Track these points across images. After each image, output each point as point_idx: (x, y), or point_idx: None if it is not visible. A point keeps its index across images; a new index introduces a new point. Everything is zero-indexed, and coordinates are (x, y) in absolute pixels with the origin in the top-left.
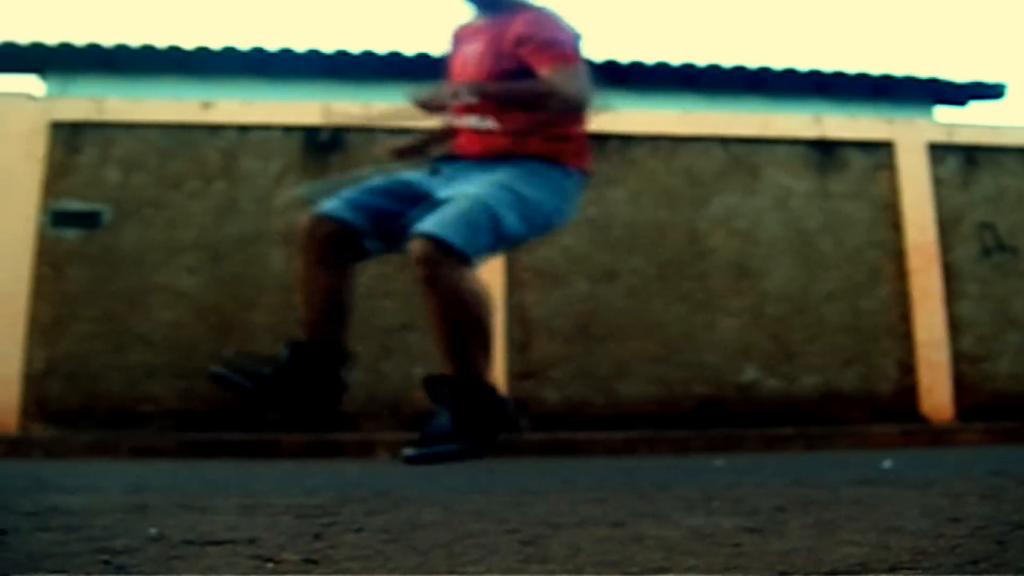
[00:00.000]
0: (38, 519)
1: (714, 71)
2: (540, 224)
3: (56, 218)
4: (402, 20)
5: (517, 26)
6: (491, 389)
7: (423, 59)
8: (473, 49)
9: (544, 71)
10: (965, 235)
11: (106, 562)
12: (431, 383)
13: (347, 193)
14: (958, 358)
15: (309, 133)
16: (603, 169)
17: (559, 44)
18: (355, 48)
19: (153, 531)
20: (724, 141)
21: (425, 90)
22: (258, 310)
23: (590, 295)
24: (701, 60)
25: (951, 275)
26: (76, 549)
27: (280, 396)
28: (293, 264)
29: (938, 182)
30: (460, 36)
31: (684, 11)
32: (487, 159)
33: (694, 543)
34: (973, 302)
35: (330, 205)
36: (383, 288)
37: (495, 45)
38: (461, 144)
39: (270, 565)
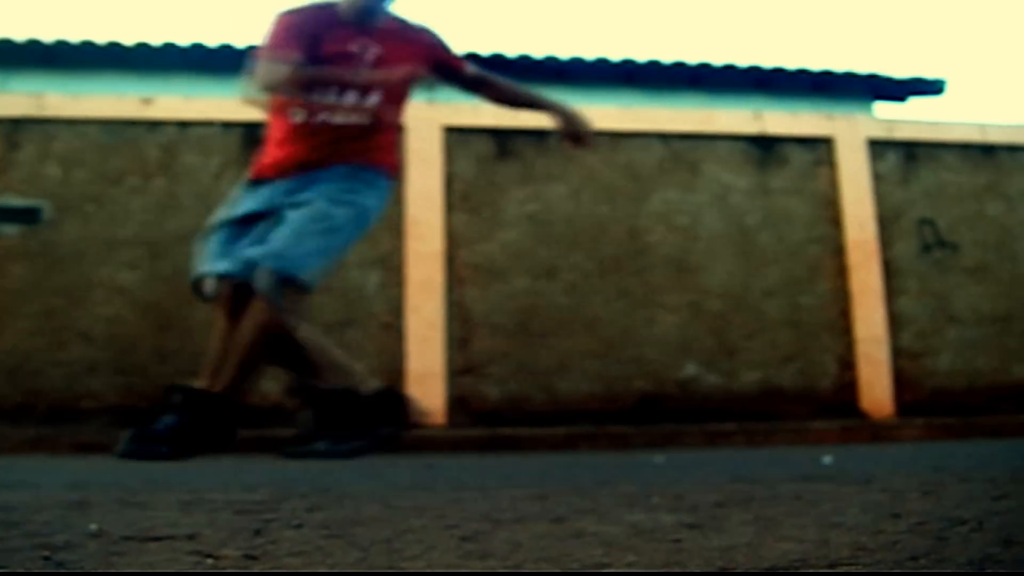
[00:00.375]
0: None
1: (654, 67)
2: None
3: None
4: None
5: (426, 44)
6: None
7: None
8: (372, 53)
9: (472, 72)
10: (905, 231)
11: (46, 558)
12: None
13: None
14: (898, 354)
15: (249, 129)
16: (543, 165)
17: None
18: None
19: (93, 527)
20: (664, 137)
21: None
22: (198, 306)
23: (530, 291)
24: (641, 56)
25: (891, 271)
26: (16, 545)
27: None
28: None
29: (878, 178)
30: (330, 29)
31: (623, 8)
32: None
33: (634, 539)
34: (913, 298)
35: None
36: (323, 284)
37: (406, 56)
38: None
39: (210, 561)
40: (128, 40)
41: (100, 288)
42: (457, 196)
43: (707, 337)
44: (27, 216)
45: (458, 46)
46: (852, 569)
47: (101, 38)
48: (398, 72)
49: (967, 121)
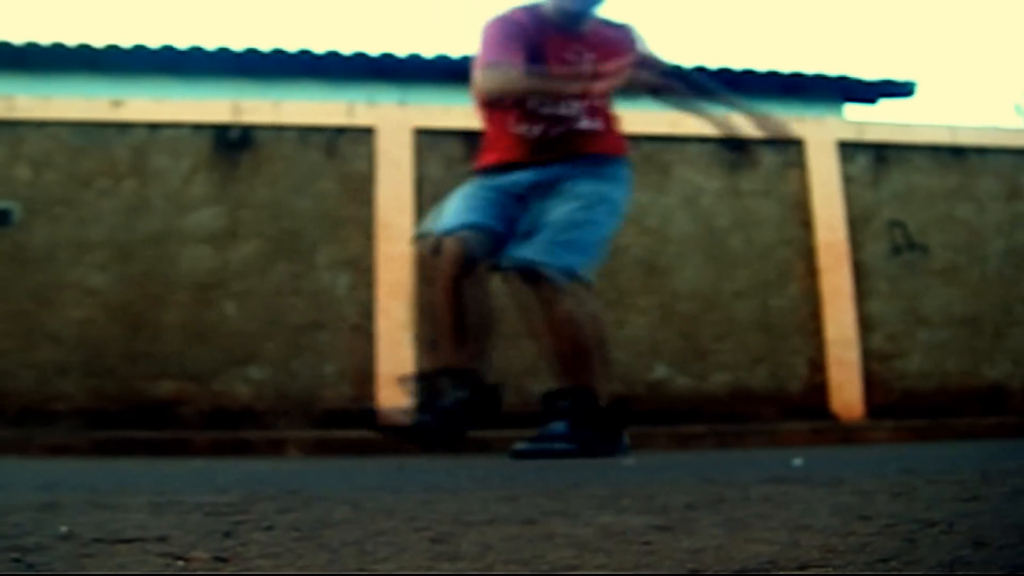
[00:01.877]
0: None
1: None
2: None
3: None
4: (312, 17)
5: (630, 45)
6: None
7: (333, 57)
8: (588, 59)
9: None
10: (875, 233)
11: (16, 560)
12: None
13: None
14: (868, 356)
15: (219, 131)
16: None
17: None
18: (265, 46)
19: (64, 529)
20: (635, 139)
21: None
22: (168, 308)
23: (500, 292)
24: None
25: (861, 273)
26: None
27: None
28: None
29: (848, 180)
30: (544, 34)
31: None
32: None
33: (604, 541)
34: (883, 300)
35: None
36: (293, 286)
37: (617, 55)
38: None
39: (180, 563)
40: (98, 42)
41: (70, 290)
42: (427, 198)
43: (677, 339)
44: None
45: (430, 47)
46: (822, 571)
47: (71, 40)
48: (614, 76)
49: (937, 123)
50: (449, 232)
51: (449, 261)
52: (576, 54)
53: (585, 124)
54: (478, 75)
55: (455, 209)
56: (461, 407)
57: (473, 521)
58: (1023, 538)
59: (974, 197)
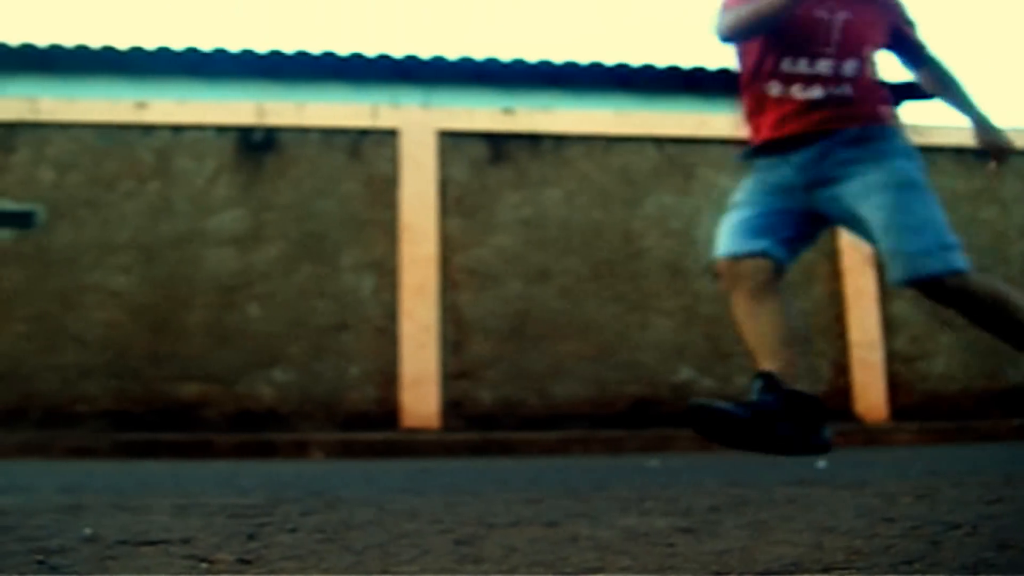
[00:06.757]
0: None
1: (648, 71)
2: None
3: None
4: (336, 19)
5: (887, 4)
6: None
7: (356, 59)
8: (840, 17)
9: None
10: None
11: (40, 562)
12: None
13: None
14: (892, 358)
15: (243, 133)
16: (537, 169)
17: None
18: (289, 48)
19: (87, 531)
20: (658, 141)
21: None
22: (192, 310)
23: (524, 295)
24: (635, 60)
25: (885, 275)
26: (10, 549)
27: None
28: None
29: None
30: None
31: (617, 11)
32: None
33: (628, 543)
34: (907, 302)
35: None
36: (317, 288)
37: (872, 19)
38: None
39: (204, 565)
40: (122, 44)
41: (94, 292)
42: (451, 200)
43: (701, 341)
44: (21, 220)
45: (454, 49)
46: (846, 574)
47: (95, 42)
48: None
49: (961, 125)
50: (723, 258)
51: (729, 286)
52: (828, 10)
53: (835, 92)
54: (717, 23)
55: (727, 228)
56: (769, 407)
57: (497, 523)
58: None
59: (998, 199)
